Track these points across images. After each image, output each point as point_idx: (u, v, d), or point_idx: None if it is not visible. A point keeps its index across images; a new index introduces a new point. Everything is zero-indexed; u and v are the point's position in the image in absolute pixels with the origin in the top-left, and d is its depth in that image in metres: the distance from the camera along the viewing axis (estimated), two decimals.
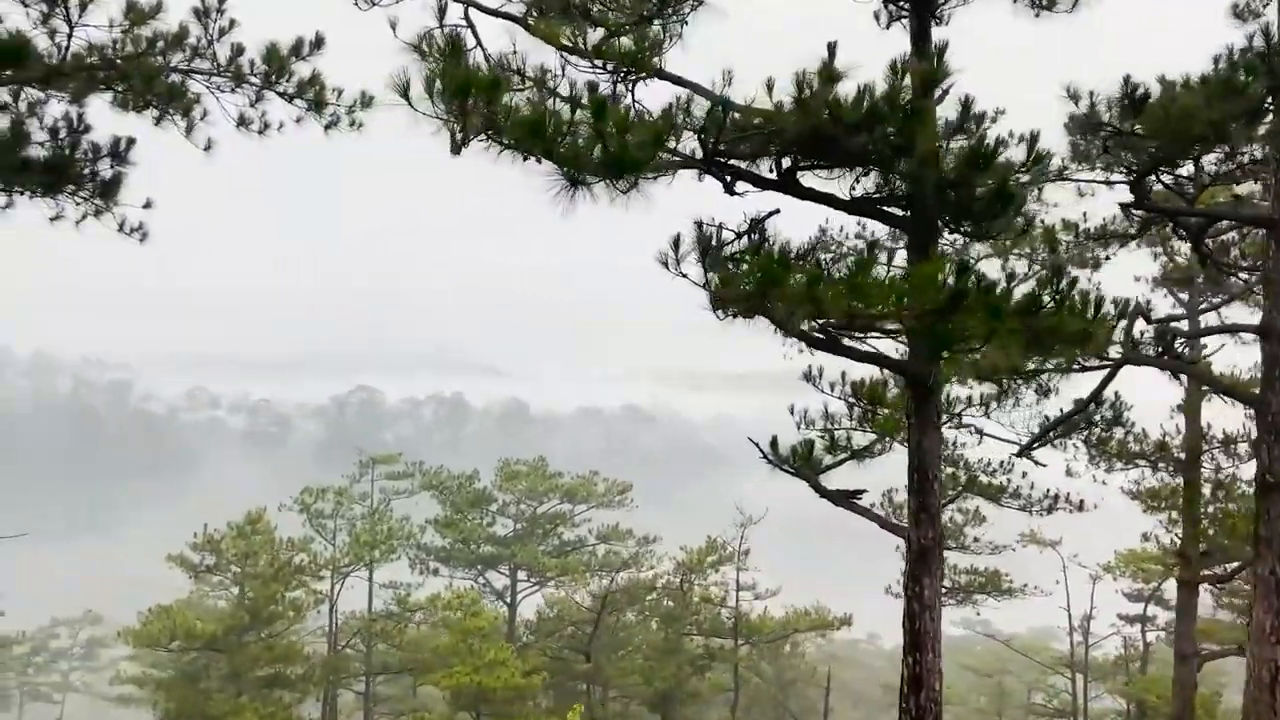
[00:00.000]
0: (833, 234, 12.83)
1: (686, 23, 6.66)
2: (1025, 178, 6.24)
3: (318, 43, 8.51)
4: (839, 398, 9.22)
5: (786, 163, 6.81)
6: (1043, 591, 27.62)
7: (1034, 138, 6.07)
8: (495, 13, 6.82)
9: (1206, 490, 19.50)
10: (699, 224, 6.19)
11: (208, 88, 8.42)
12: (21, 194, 9.17)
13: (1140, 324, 10.72)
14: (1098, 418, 14.00)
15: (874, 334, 7.73)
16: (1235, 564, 18.91)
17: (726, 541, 31.09)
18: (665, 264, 6.18)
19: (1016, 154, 6.59)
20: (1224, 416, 19.20)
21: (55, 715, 52.94)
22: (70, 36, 7.70)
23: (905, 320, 5.48)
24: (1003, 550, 22.44)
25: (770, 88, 6.39)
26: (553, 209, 5.14)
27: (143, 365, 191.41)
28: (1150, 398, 19.43)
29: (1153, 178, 9.84)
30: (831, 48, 5.54)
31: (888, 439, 9.80)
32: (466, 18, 6.69)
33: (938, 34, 7.11)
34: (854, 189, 7.01)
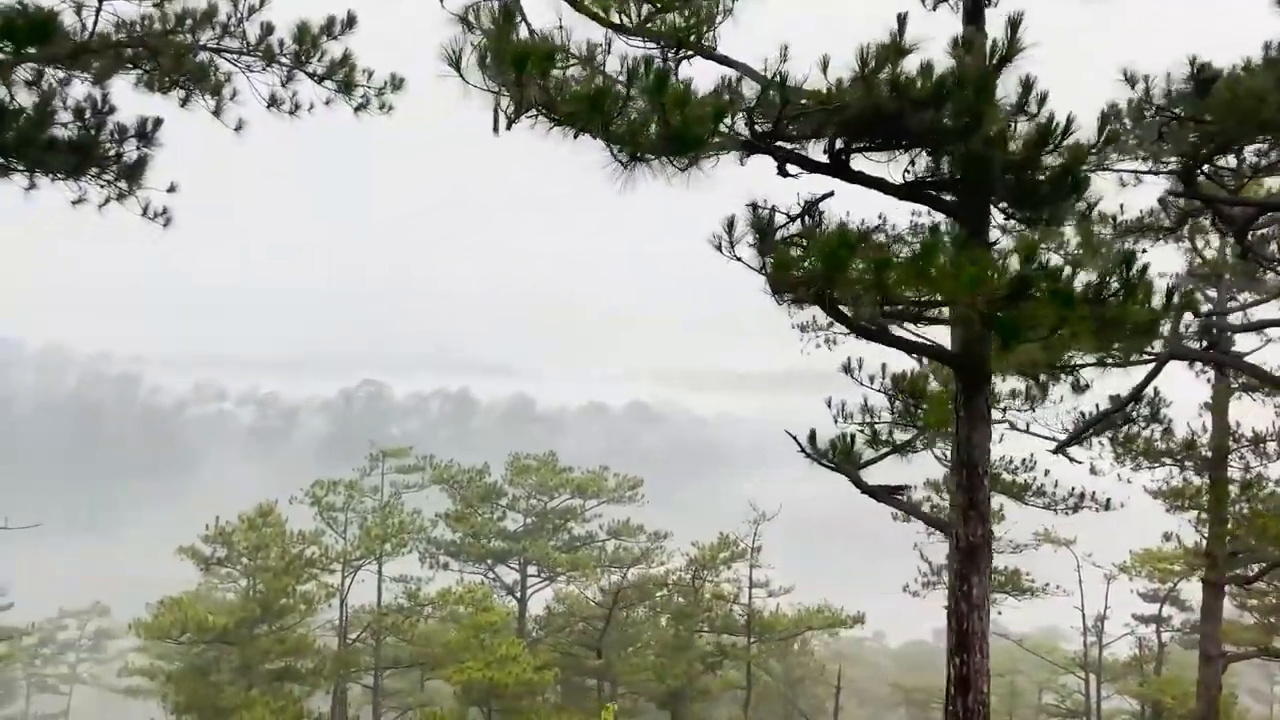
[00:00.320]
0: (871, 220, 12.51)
1: None
2: (1094, 160, 5.98)
3: (349, 22, 8.28)
4: (879, 390, 8.97)
5: (839, 145, 6.56)
6: (1064, 591, 27.36)
7: (1105, 117, 5.82)
8: None
9: (1234, 490, 19.19)
10: (753, 206, 5.96)
11: (237, 67, 8.21)
12: (44, 176, 8.97)
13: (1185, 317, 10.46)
14: (1135, 415, 13.73)
15: (920, 323, 7.51)
16: (1262, 565, 18.64)
17: (740, 538, 30.87)
18: (719, 247, 5.94)
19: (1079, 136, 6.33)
20: (1252, 415, 18.91)
21: (62, 707, 52.99)
22: (98, 12, 7.50)
23: (972, 308, 5.24)
24: (1023, 549, 22.16)
25: (825, 66, 6.15)
26: (611, 186, 4.91)
27: (151, 359, 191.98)
28: (1176, 395, 19.16)
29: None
30: (902, 19, 5.31)
31: (932, 433, 9.56)
32: None
33: (996, 14, 6.85)
34: (907, 172, 6.76)
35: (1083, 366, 10.90)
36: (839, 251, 5.26)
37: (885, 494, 8.41)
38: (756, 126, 6.20)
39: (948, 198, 7.36)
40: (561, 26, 6.09)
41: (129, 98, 9.36)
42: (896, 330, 7.41)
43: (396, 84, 8.87)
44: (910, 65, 5.78)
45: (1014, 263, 6.00)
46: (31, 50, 6.64)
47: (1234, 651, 20.95)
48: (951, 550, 7.94)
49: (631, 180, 4.99)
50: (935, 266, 5.21)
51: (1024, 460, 20.13)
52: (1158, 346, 9.90)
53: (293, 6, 8.23)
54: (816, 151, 6.82)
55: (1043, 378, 11.18)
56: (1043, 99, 6.37)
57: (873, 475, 9.02)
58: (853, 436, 8.48)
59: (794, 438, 8.76)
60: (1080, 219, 6.47)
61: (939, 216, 7.05)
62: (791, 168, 6.55)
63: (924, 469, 23.21)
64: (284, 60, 8.16)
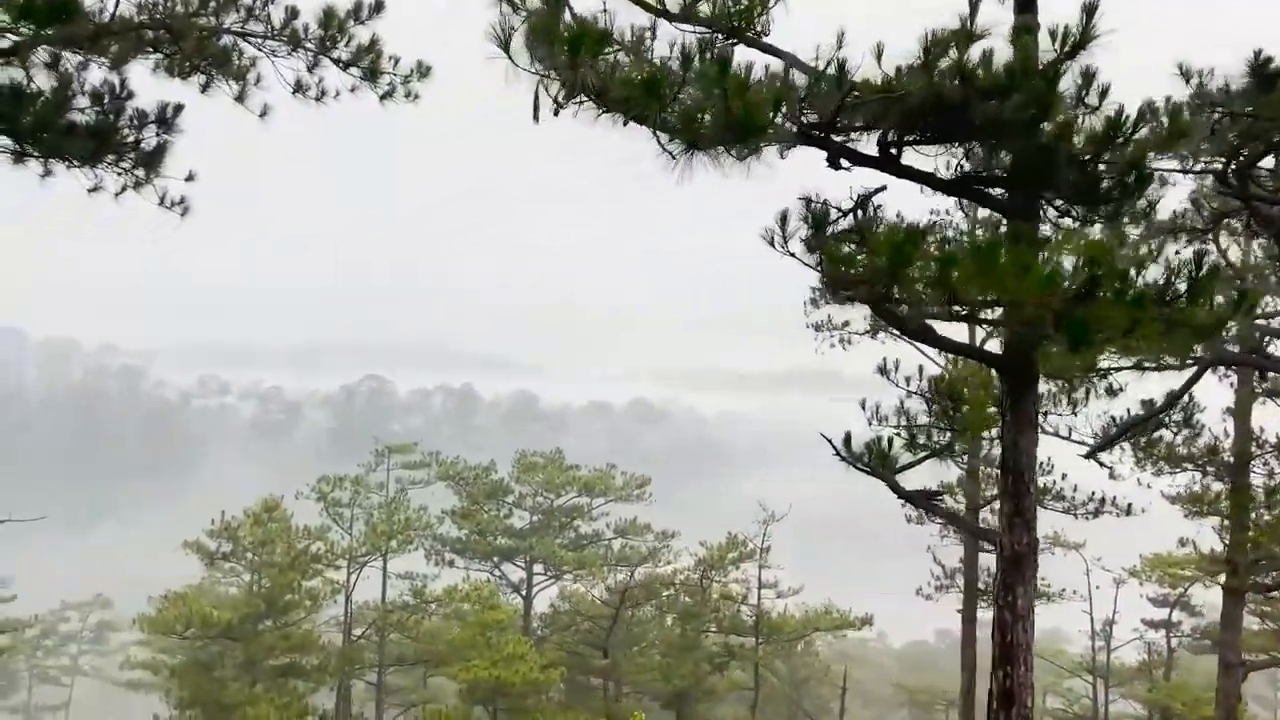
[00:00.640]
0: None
1: None
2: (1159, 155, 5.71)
3: (377, 7, 8.03)
4: (915, 393, 8.71)
5: (891, 137, 6.29)
6: (1080, 596, 27.08)
7: (1176, 110, 5.56)
8: None
9: (1256, 496, 18.91)
10: (807, 200, 5.70)
11: (262, 52, 7.95)
12: (60, 163, 8.72)
13: None
14: (1168, 420, 13.46)
15: (951, 322, 7.25)
16: None
17: (749, 538, 30.62)
18: (770, 241, 5.68)
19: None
20: (1276, 420, 18.63)
21: (64, 698, 52.87)
22: None
23: (1045, 308, 4.98)
24: (1040, 553, 21.84)
25: (879, 54, 5.88)
26: (669, 176, 4.66)
27: (155, 353, 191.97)
28: (1198, 400, 18.88)
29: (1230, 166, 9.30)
30: (974, 3, 5.05)
31: (972, 437, 9.30)
32: None
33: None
34: (961, 166, 6.49)
35: (1118, 370, 10.66)
36: (904, 247, 5.00)
37: (923, 499, 8.16)
38: (804, 118, 5.94)
39: (996, 193, 7.10)
40: (605, 10, 5.82)
41: (146, 83, 9.11)
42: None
43: (423, 72, 8.61)
44: (972, 54, 5.51)
45: (1067, 261, 5.75)
46: (51, 30, 6.39)
47: (1253, 660, 20.67)
48: (997, 559, 7.68)
49: (688, 170, 4.74)
50: (1001, 264, 4.96)
51: (1041, 464, 19.88)
52: (1198, 350, 9.66)
53: None
54: (863, 144, 6.58)
55: (1076, 381, 10.94)
56: (1104, 91, 6.10)
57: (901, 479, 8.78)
58: (890, 440, 8.21)
59: (829, 440, 8.50)
60: (1139, 217, 6.20)
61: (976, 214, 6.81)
62: (834, 161, 6.28)
63: (939, 472, 22.95)
64: (309, 46, 7.90)
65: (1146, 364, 9.48)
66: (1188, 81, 7.55)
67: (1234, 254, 18.21)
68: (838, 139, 6.03)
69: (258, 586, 28.23)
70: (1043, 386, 12.22)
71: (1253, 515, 19.03)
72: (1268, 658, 23.94)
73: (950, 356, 20.61)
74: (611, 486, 36.95)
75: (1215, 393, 19.42)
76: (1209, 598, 35.43)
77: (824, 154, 6.29)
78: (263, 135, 8.05)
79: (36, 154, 8.55)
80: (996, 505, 20.90)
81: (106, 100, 7.94)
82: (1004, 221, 7.37)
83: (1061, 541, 31.30)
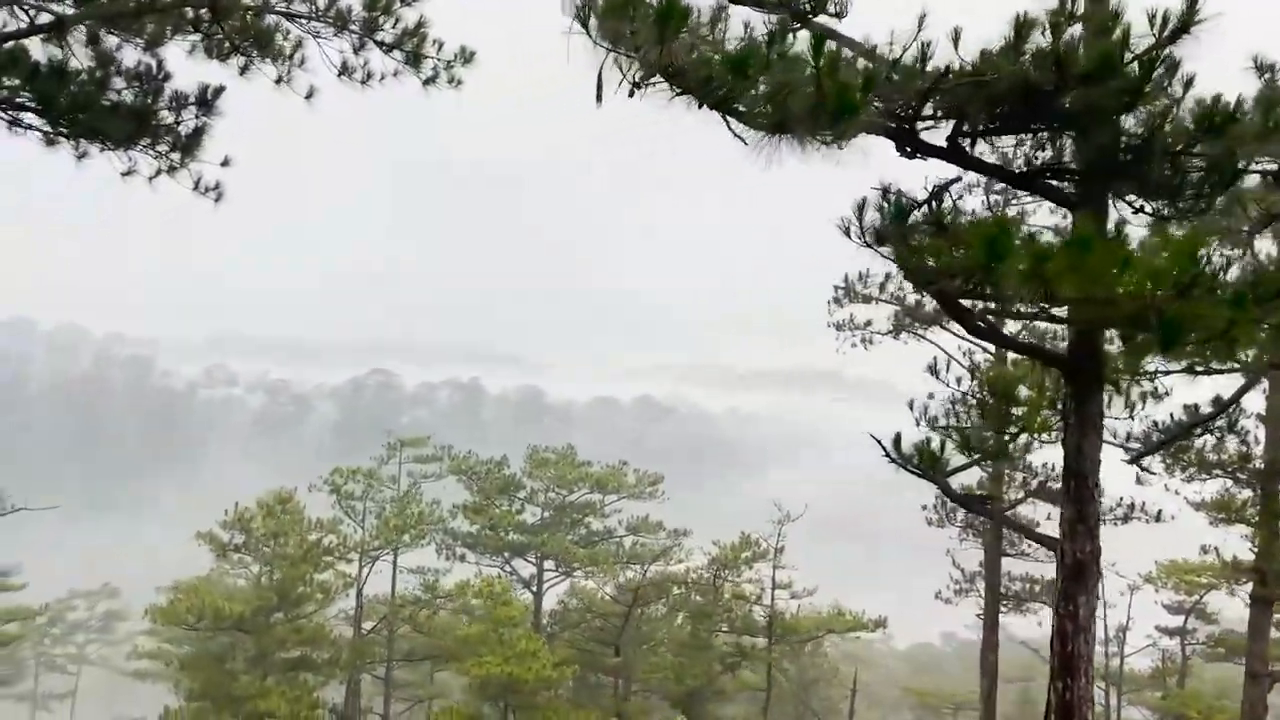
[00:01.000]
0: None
1: None
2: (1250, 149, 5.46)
3: None
4: (967, 395, 8.45)
5: (964, 126, 6.03)
6: (1106, 604, 26.78)
7: (1271, 102, 5.30)
8: None
9: None
10: (884, 190, 5.46)
11: (306, 33, 7.73)
12: (93, 145, 8.50)
13: None
14: (1211, 426, 13.18)
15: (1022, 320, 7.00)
16: None
17: (763, 538, 30.39)
18: (846, 231, 5.45)
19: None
20: None
21: (70, 687, 52.86)
22: None
23: (1150, 307, 4.73)
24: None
25: (956, 38, 5.63)
26: (756, 163, 4.43)
27: (162, 342, 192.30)
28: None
29: None
30: None
31: (1031, 439, 9.05)
32: None
33: None
34: (1036, 158, 6.24)
35: (1167, 373, 10.39)
36: (1001, 240, 4.76)
37: (976, 503, 7.95)
38: (876, 105, 5.70)
39: (1066, 187, 6.86)
40: None
41: (180, 66, 8.89)
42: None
43: (467, 57, 8.36)
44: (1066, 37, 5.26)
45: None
46: (96, 4, 6.17)
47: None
48: (1057, 567, 7.44)
49: (775, 156, 4.50)
50: (1095, 260, 4.72)
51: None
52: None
53: None
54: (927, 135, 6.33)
55: (1122, 385, 10.66)
56: (1189, 82, 5.85)
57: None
58: (942, 442, 7.97)
59: (878, 441, 8.28)
60: (1224, 212, 5.95)
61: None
62: (909, 150, 6.03)
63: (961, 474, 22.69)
64: (354, 28, 7.67)
65: (1199, 368, 9.22)
66: (1260, 75, 7.28)
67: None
68: (911, 128, 5.79)
69: (269, 579, 28.06)
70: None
71: None
72: None
73: (992, 356, 20.37)
74: (624, 484, 36.74)
75: (1248, 399, 19.13)
76: (1227, 605, 35.14)
77: (866, 144, 6.07)
78: (268, 128, 7.85)
79: (70, 135, 8.35)
80: (1021, 509, 20.68)
81: (144, 81, 7.73)
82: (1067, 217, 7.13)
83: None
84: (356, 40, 7.70)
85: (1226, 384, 13.35)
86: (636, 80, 4.68)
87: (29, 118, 8.17)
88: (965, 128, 6.05)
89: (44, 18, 8.02)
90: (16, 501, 27.07)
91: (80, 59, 7.21)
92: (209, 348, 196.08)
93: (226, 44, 7.97)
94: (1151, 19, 5.01)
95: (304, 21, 7.64)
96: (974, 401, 8.46)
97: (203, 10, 7.68)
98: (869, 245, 5.46)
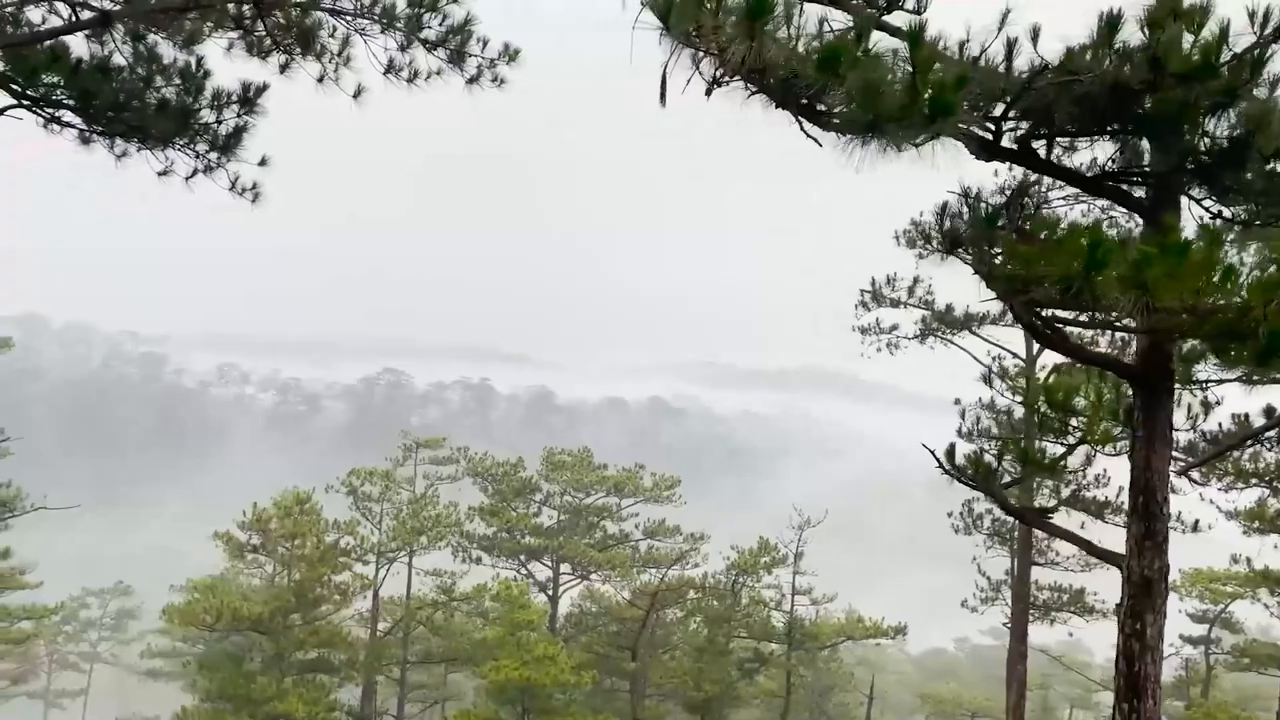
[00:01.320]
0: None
1: None
2: None
3: None
4: (1027, 405, 8.19)
5: (1034, 128, 5.79)
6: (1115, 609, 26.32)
7: None
8: None
9: None
10: (966, 194, 5.23)
11: (352, 30, 7.54)
12: (128, 143, 8.34)
13: None
14: (1262, 436, 12.89)
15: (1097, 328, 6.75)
16: None
17: (782, 543, 30.09)
18: (926, 237, 5.22)
19: None
20: None
21: (82, 685, 52.90)
22: None
23: (1235, 316, 4.49)
24: (1094, 567, 21.27)
25: (1036, 35, 5.40)
26: (847, 163, 4.21)
27: (174, 339, 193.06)
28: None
29: None
30: None
31: (1094, 451, 8.80)
32: None
33: None
34: (1112, 161, 5.99)
35: (1219, 383, 10.13)
36: (1107, 244, 4.53)
37: (1035, 516, 7.67)
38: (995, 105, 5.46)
39: (1138, 192, 6.62)
40: None
41: (214, 64, 8.73)
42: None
43: (511, 55, 8.17)
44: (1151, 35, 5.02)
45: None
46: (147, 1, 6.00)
47: None
48: (1123, 584, 7.19)
49: (868, 157, 4.28)
50: (1193, 267, 4.48)
51: (1097, 476, 19.31)
52: None
53: None
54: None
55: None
56: (1276, 83, 5.59)
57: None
58: (999, 453, 7.72)
59: (931, 452, 8.03)
60: None
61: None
62: (989, 152, 5.79)
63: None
64: (399, 26, 7.48)
65: (1256, 378, 8.94)
66: None
67: None
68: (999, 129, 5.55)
69: (287, 580, 27.95)
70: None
71: None
72: None
73: (1022, 361, 20.10)
74: (640, 487, 36.53)
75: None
76: (1250, 614, 34.68)
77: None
78: (279, 126, 7.64)
79: (106, 134, 8.19)
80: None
81: (185, 79, 7.56)
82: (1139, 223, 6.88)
83: (1096, 551, 30.56)
84: (403, 38, 7.51)
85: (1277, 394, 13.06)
86: (716, 78, 4.47)
87: (66, 116, 8.04)
88: (1041, 130, 5.81)
89: (70, 14, 7.88)
90: (34, 500, 27.14)
91: (121, 56, 7.04)
92: (220, 345, 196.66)
93: (267, 41, 7.80)
94: (1252, 15, 4.77)
95: (349, 18, 7.46)
96: (1022, 412, 8.19)
97: (246, 6, 7.51)
98: (948, 251, 5.23)
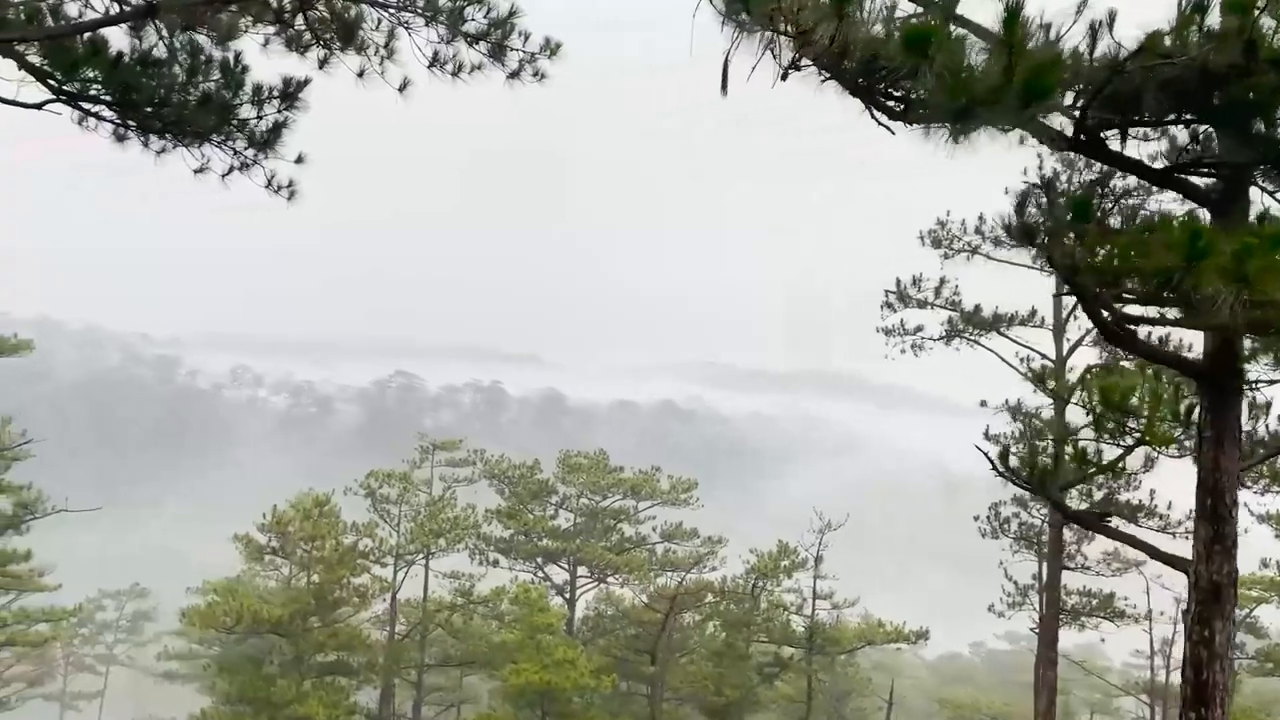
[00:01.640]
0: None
1: None
2: None
3: None
4: (1080, 405, 7.99)
5: (1094, 116, 5.59)
6: (1169, 618, 26.08)
7: None
8: None
9: None
10: (1046, 184, 5.03)
11: (396, 22, 7.39)
12: (161, 139, 8.21)
13: None
14: None
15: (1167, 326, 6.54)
16: None
17: (803, 547, 29.84)
18: (1007, 229, 5.04)
19: None
20: None
21: (99, 687, 52.98)
22: None
23: None
24: (1125, 571, 20.98)
25: (1111, 22, 5.20)
26: (934, 152, 4.04)
27: (186, 341, 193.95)
28: None
29: None
30: None
31: (1156, 453, 8.57)
32: None
33: None
34: (1186, 152, 5.78)
35: (1272, 383, 9.89)
36: (1204, 237, 4.34)
37: (1094, 520, 7.46)
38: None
39: (1203, 184, 6.41)
40: None
41: (250, 60, 8.60)
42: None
43: (553, 49, 8.00)
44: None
45: None
46: None
47: None
48: (1189, 590, 6.97)
49: (966, 143, 4.10)
50: None
51: (1131, 476, 18.99)
52: None
53: None
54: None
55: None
56: None
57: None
58: (1056, 456, 7.52)
59: (985, 454, 7.83)
60: None
61: None
62: (1064, 141, 5.59)
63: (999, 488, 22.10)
64: (442, 19, 7.32)
65: None
66: None
67: None
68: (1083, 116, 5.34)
69: (306, 582, 27.87)
70: None
71: None
72: None
73: (1052, 363, 19.82)
74: (657, 490, 36.35)
75: None
76: (1276, 619, 34.20)
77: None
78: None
79: (145, 129, 8.06)
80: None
81: (226, 73, 7.42)
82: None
83: (1122, 558, 30.26)
84: (448, 31, 7.35)
85: None
86: (793, 63, 4.30)
87: (101, 111, 7.91)
88: (1114, 119, 5.61)
89: (107, 6, 7.75)
90: (54, 502, 27.14)
91: (164, 49, 6.92)
92: (227, 345, 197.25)
93: (306, 35, 7.67)
94: None
95: (393, 11, 7.32)
96: (1089, 413, 7.97)
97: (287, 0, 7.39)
98: (1028, 244, 5.03)
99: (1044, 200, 5.05)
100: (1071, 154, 20.20)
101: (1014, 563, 23.36)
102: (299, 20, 7.61)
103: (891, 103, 5.01)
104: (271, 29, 8.24)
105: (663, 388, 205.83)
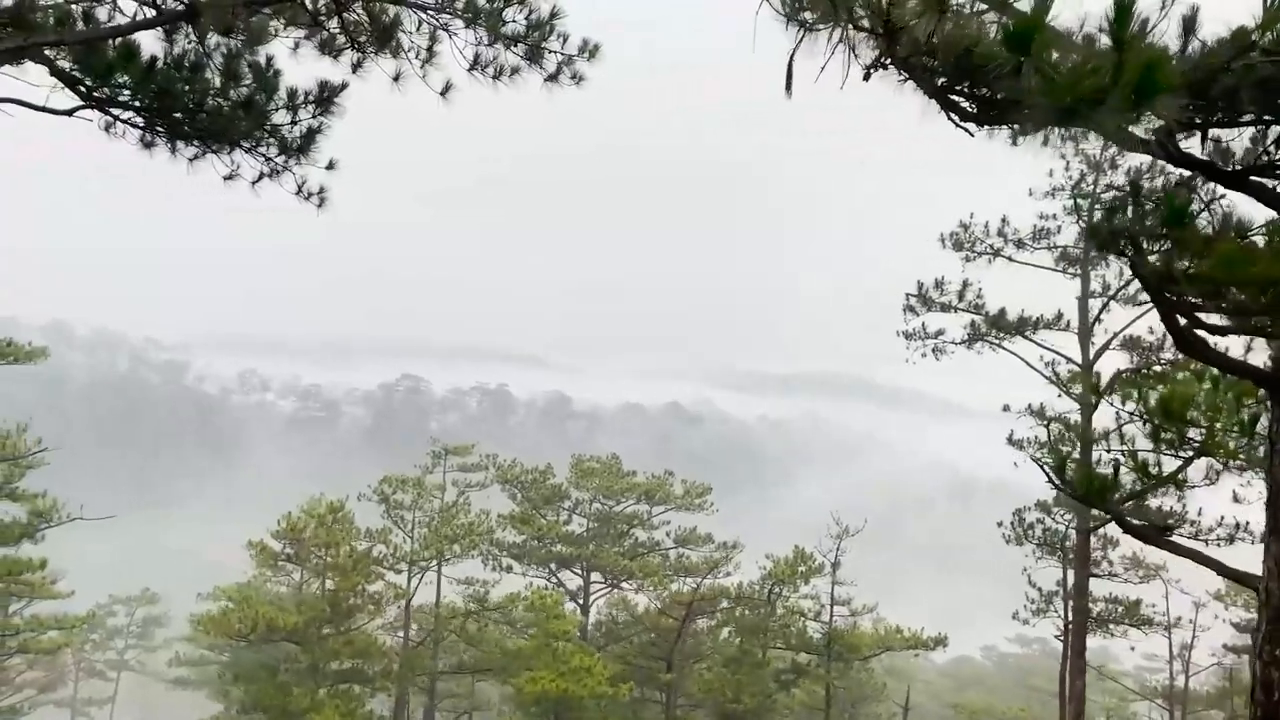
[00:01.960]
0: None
1: None
2: None
3: None
4: (1136, 414, 7.75)
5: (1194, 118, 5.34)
6: (1199, 627, 25.76)
7: None
8: None
9: None
10: (1135, 188, 4.80)
11: (436, 25, 7.18)
12: (190, 145, 8.02)
13: None
14: None
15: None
16: None
17: (821, 552, 29.55)
18: (1095, 235, 4.80)
19: None
20: None
21: (109, 693, 52.89)
22: None
23: None
24: (1153, 578, 20.68)
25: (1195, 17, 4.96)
26: (1023, 153, 3.81)
27: (193, 343, 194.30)
28: None
29: None
30: None
31: (1223, 465, 8.33)
32: None
33: None
34: (1266, 154, 5.53)
35: None
36: None
37: (1156, 534, 7.21)
38: None
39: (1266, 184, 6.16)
40: None
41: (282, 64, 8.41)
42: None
43: (591, 51, 7.79)
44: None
45: None
46: None
47: None
48: (1259, 608, 6.70)
49: (1070, 141, 3.88)
50: None
51: (1183, 491, 18.69)
52: None
53: None
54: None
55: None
56: None
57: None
58: (1116, 467, 7.26)
59: (1042, 466, 7.59)
60: None
61: None
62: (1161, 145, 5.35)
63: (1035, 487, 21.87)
64: (481, 21, 7.11)
65: None
66: None
67: None
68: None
69: (321, 589, 27.67)
70: None
71: None
72: None
73: (1078, 367, 19.53)
74: (670, 495, 36.11)
75: None
76: None
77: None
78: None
79: (169, 136, 7.86)
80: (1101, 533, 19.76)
81: (257, 79, 7.23)
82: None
83: (1141, 563, 29.96)
84: (488, 34, 7.14)
85: None
86: (879, 61, 4.08)
87: (132, 118, 7.72)
88: (1196, 119, 5.37)
89: (137, 9, 7.56)
90: (69, 508, 26.99)
91: (202, 53, 6.72)
92: (232, 346, 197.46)
93: (340, 38, 7.47)
94: None
95: (433, 13, 7.10)
96: (1146, 423, 7.73)
97: (322, 2, 7.19)
98: (1122, 254, 4.80)
99: (1129, 205, 4.82)
100: (1097, 156, 19.95)
101: (1037, 569, 23.06)
102: (332, 23, 7.40)
103: (966, 104, 4.78)
104: (302, 32, 8.05)
105: (669, 390, 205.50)
